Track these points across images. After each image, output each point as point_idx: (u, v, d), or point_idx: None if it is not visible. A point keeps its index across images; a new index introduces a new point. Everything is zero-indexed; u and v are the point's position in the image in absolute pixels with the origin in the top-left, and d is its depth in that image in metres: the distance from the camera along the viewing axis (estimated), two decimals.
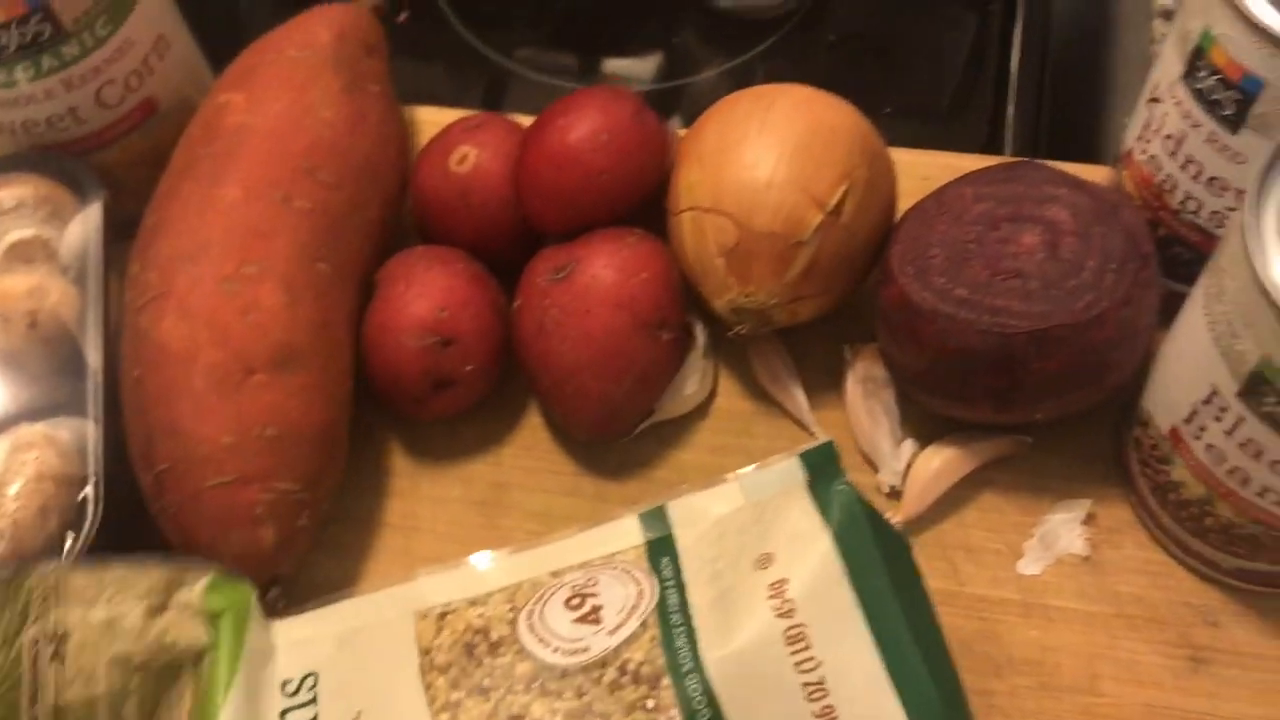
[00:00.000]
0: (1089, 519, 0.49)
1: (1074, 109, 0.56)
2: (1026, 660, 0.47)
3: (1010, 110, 0.63)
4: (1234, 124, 0.43)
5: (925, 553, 0.49)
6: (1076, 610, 0.48)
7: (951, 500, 0.50)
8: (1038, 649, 0.47)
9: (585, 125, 0.49)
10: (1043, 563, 0.48)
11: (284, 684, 0.44)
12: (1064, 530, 0.49)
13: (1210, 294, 0.40)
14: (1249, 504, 0.42)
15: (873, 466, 0.51)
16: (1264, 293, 0.36)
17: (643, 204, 0.51)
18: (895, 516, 0.49)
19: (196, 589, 0.43)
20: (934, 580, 0.48)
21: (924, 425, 0.51)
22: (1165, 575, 0.48)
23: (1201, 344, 0.41)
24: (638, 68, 0.70)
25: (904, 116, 0.65)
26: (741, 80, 0.67)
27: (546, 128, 0.49)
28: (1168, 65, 0.46)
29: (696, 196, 0.49)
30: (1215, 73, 0.43)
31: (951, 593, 0.48)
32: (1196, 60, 0.44)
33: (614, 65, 0.70)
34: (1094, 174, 0.54)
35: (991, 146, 0.63)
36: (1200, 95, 0.44)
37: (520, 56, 0.69)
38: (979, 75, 0.65)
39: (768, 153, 0.47)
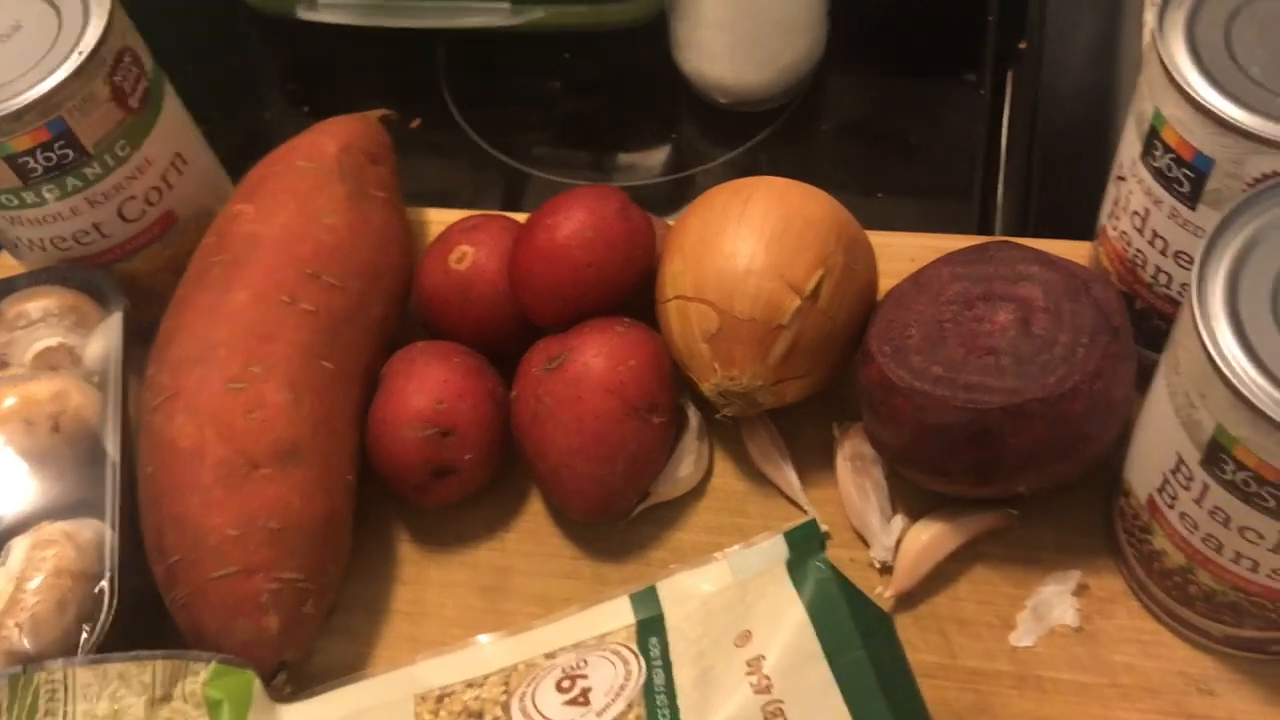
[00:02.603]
0: (1081, 590, 0.50)
1: (1069, 187, 0.58)
2: None
3: (1000, 192, 0.65)
4: (1191, 200, 0.44)
5: (918, 626, 0.50)
6: (1070, 681, 0.48)
7: (943, 574, 0.51)
8: None
9: (572, 223, 0.51)
10: (1035, 634, 0.49)
11: None
12: (1056, 601, 0.49)
13: (1169, 365, 0.41)
14: (1226, 570, 0.43)
15: (864, 542, 0.52)
16: (1212, 363, 0.37)
17: (632, 294, 0.53)
18: (887, 591, 0.50)
19: (200, 679, 0.45)
20: (927, 654, 0.49)
21: (914, 501, 0.52)
22: (1158, 644, 0.48)
23: (1165, 414, 0.42)
24: (647, 160, 0.72)
25: (896, 200, 0.67)
26: (743, 169, 0.70)
27: (536, 226, 0.52)
28: (1129, 144, 0.47)
29: (680, 286, 0.51)
30: (1169, 151, 0.44)
31: (944, 666, 0.49)
32: (1152, 140, 0.45)
33: (625, 159, 0.73)
34: (1081, 250, 0.55)
35: (984, 227, 0.64)
36: (1159, 173, 0.45)
37: (536, 156, 0.73)
38: (970, 158, 0.67)
39: (745, 242, 0.50)
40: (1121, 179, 0.49)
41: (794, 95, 0.70)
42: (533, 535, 0.54)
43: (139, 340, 0.53)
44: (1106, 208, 0.51)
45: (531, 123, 0.74)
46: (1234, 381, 0.37)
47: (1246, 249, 0.39)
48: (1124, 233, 0.49)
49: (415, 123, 0.74)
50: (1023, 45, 0.70)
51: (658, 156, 0.72)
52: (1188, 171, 0.44)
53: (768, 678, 0.40)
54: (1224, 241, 0.39)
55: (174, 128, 0.56)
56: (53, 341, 0.51)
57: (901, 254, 0.57)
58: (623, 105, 0.75)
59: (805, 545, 0.45)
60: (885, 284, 0.53)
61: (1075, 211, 0.57)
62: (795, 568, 0.43)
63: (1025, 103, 0.68)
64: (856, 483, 0.52)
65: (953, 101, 0.70)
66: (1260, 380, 0.36)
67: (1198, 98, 0.42)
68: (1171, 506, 0.43)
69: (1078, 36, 0.70)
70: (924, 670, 0.48)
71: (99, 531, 0.48)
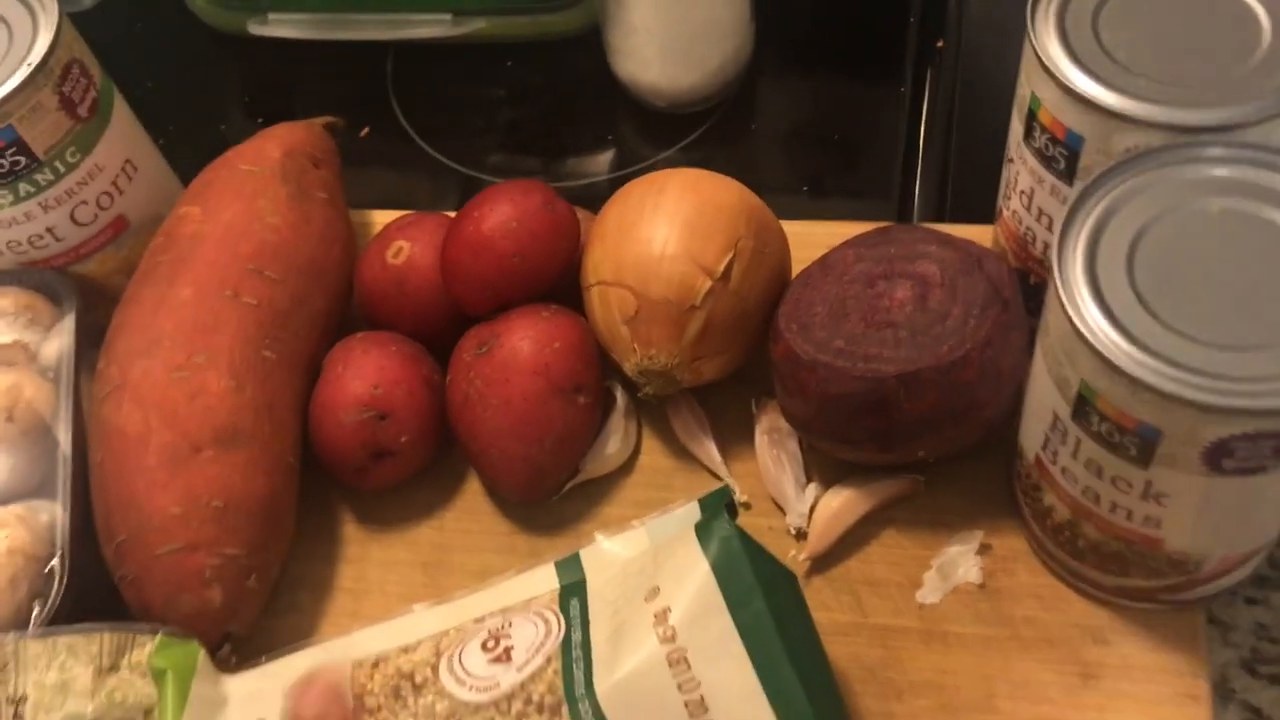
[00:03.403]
0: (984, 550, 0.52)
1: (984, 179, 0.60)
2: (927, 683, 0.50)
3: (918, 184, 0.68)
4: (1068, 176, 0.47)
5: (831, 587, 0.53)
6: (973, 635, 0.51)
7: (855, 538, 0.53)
8: (937, 672, 0.50)
9: (497, 215, 0.54)
10: (941, 592, 0.52)
11: None
12: (960, 561, 0.52)
13: (1041, 329, 0.44)
14: (1105, 521, 0.46)
15: (782, 511, 0.55)
16: (1071, 323, 0.40)
17: (559, 283, 0.56)
18: (801, 555, 0.53)
19: (146, 650, 0.47)
20: (839, 613, 0.52)
21: (826, 471, 0.55)
22: (1056, 599, 0.51)
23: (1041, 376, 0.45)
24: (588, 161, 0.75)
25: (822, 194, 0.70)
26: (679, 166, 0.73)
27: (464, 219, 0.55)
28: (1014, 128, 0.51)
29: (601, 272, 0.54)
30: (1045, 131, 0.47)
31: (856, 624, 0.52)
32: (1031, 122, 0.48)
33: (568, 161, 0.76)
34: (985, 234, 0.58)
35: (903, 218, 0.67)
36: (1039, 153, 0.48)
37: (482, 161, 0.75)
38: (891, 153, 0.70)
39: (660, 229, 0.53)
40: (1010, 161, 0.52)
41: (725, 96, 0.73)
42: (470, 514, 0.57)
43: (93, 342, 0.56)
44: (1002, 190, 0.54)
45: (477, 129, 0.77)
46: (1090, 339, 0.39)
47: (1105, 217, 0.42)
48: (1015, 211, 0.52)
49: (364, 131, 0.77)
50: (940, 44, 0.73)
51: (598, 157, 0.75)
52: (1063, 150, 0.47)
53: (673, 629, 0.43)
54: (1084, 210, 0.42)
55: (124, 135, 0.59)
56: (7, 339, 0.54)
57: (819, 242, 0.60)
58: (564, 110, 0.78)
59: (715, 508, 0.48)
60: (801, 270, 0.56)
61: (988, 201, 0.60)
62: (702, 529, 0.46)
63: (944, 100, 0.71)
64: (773, 455, 0.55)
65: (876, 100, 0.73)
66: (1115, 337, 0.39)
67: (1065, 81, 0.45)
68: (1054, 463, 0.46)
69: (993, 36, 0.73)
70: (836, 629, 0.51)
71: (51, 514, 0.50)
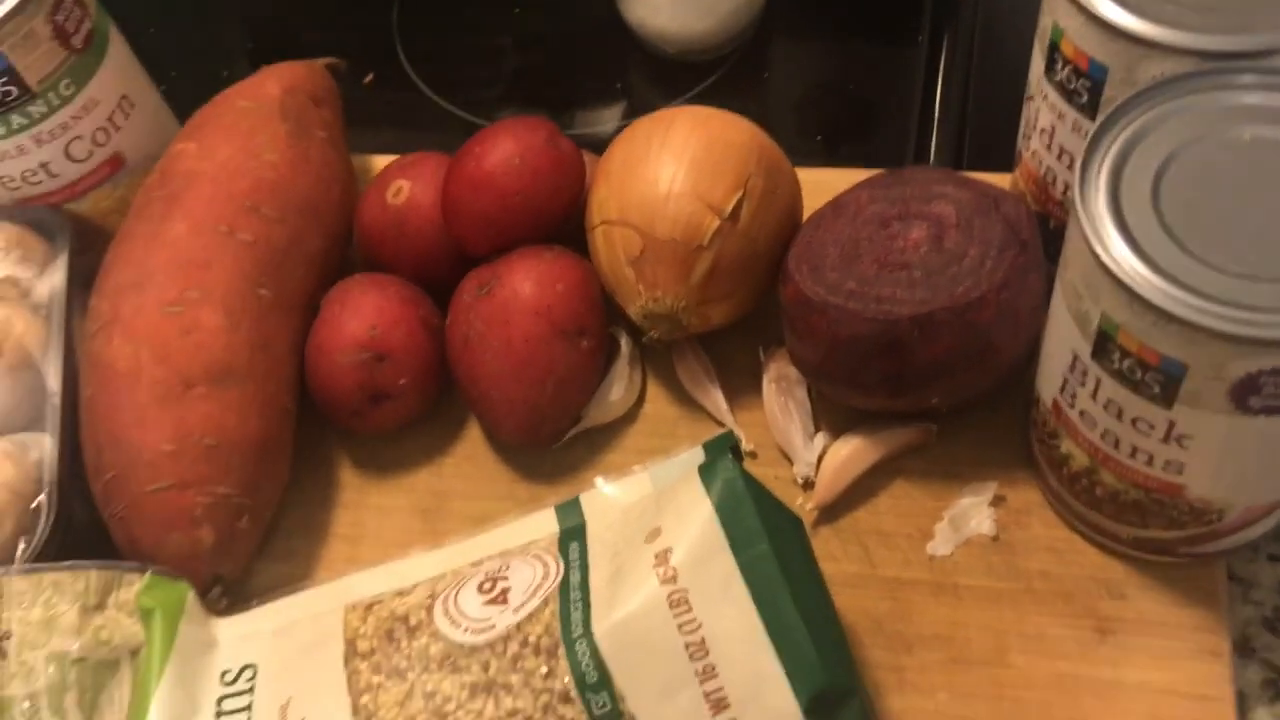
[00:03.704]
0: (997, 501, 0.51)
1: (1003, 128, 0.59)
2: (937, 636, 0.48)
3: (935, 133, 0.66)
4: (1090, 110, 0.46)
5: (839, 538, 0.51)
6: (985, 588, 0.49)
7: (865, 489, 0.52)
8: (948, 625, 0.48)
9: (500, 151, 0.53)
10: (952, 544, 0.50)
11: (223, 674, 0.47)
12: (973, 512, 0.50)
13: (1062, 264, 0.43)
14: (1125, 467, 0.44)
15: (788, 460, 0.53)
16: (1092, 252, 0.38)
17: (563, 224, 0.55)
18: (808, 504, 0.51)
19: (134, 589, 0.46)
20: (847, 564, 0.51)
21: (836, 420, 0.53)
22: (1071, 552, 0.49)
23: (1060, 314, 0.43)
24: (596, 110, 0.74)
25: (835, 143, 0.68)
26: None
27: (466, 156, 0.53)
28: (1035, 63, 0.49)
29: (606, 211, 0.52)
30: (1068, 63, 0.45)
31: (864, 575, 0.50)
32: (1053, 54, 0.46)
33: (575, 109, 0.74)
34: (1003, 181, 0.57)
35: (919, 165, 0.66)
36: (1060, 87, 0.47)
37: (489, 109, 0.74)
38: (908, 103, 0.68)
39: (666, 167, 0.51)
40: (1031, 99, 0.50)
41: (737, 44, 0.72)
42: (470, 461, 0.56)
43: (87, 284, 0.55)
44: (1021, 130, 0.53)
45: (483, 77, 0.75)
46: (1113, 269, 0.38)
47: (1130, 145, 0.40)
48: (1035, 152, 0.51)
49: (368, 79, 0.75)
50: None
51: (607, 106, 0.73)
52: (1085, 82, 0.45)
53: (674, 570, 0.42)
54: (1108, 137, 0.41)
55: (120, 70, 0.58)
56: None
57: (831, 190, 0.58)
58: (572, 58, 0.76)
59: (719, 452, 0.46)
60: None
61: (1006, 151, 0.58)
62: (706, 471, 0.44)
63: (962, 49, 0.70)
64: (780, 403, 0.53)
65: (893, 49, 0.71)
66: (1139, 267, 0.38)
67: (1089, 7, 0.43)
68: (1072, 406, 0.45)
69: None
70: (844, 580, 0.50)
71: (39, 451, 0.49)
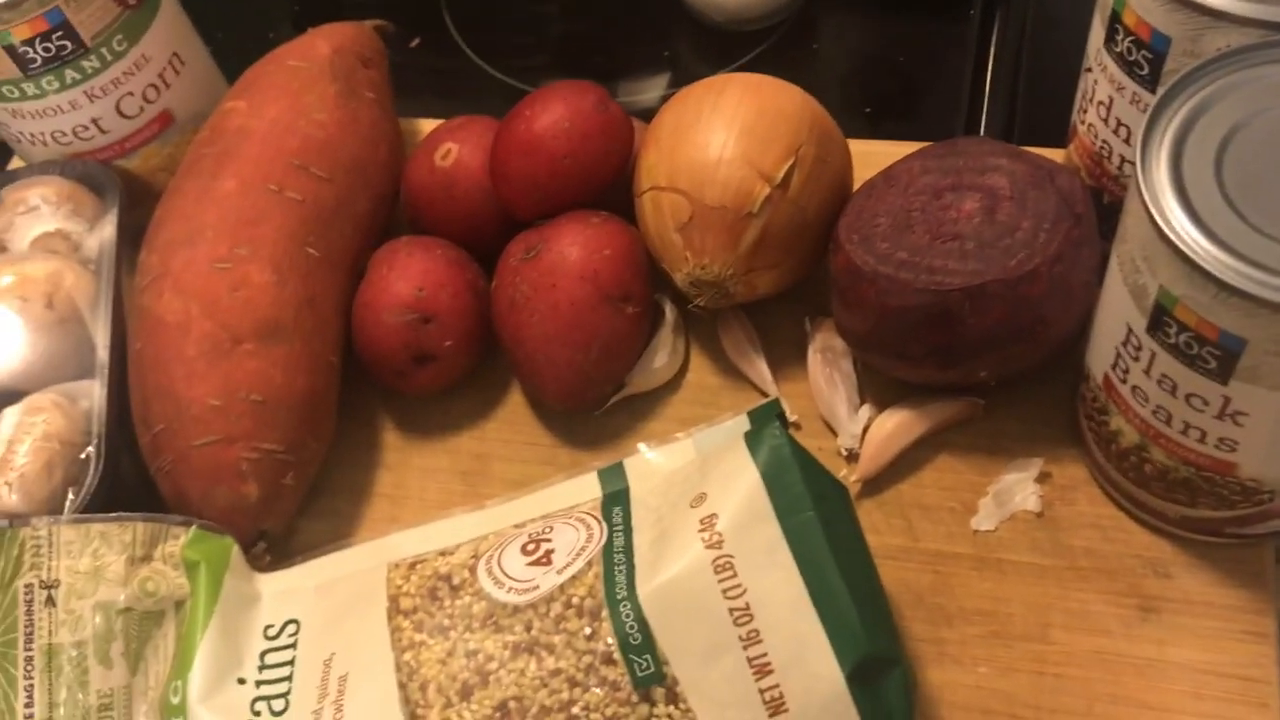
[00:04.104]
0: (1043, 477, 0.50)
1: (1055, 102, 0.58)
2: (979, 611, 0.48)
3: (985, 108, 0.65)
4: (1151, 83, 0.45)
5: (882, 510, 0.51)
6: (1029, 564, 0.49)
7: (909, 461, 0.52)
8: (990, 600, 0.48)
9: (550, 115, 0.52)
10: (996, 519, 0.50)
11: (266, 628, 0.47)
12: (1018, 488, 0.50)
13: (1119, 236, 0.42)
14: (1176, 444, 0.43)
15: (833, 432, 0.53)
16: (1152, 221, 0.38)
17: (610, 189, 0.54)
18: (852, 476, 0.51)
19: (179, 542, 0.47)
20: (890, 536, 0.50)
21: (882, 392, 0.53)
22: (1117, 529, 0.49)
23: (1116, 287, 0.42)
24: (642, 78, 0.73)
25: (884, 116, 0.68)
26: None
27: (515, 119, 0.53)
28: (1095, 34, 0.48)
29: (655, 177, 0.52)
30: (1129, 34, 0.45)
31: (906, 548, 0.50)
32: (1114, 25, 0.46)
33: (621, 77, 0.73)
34: (1056, 156, 0.56)
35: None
36: (1120, 58, 0.46)
37: (534, 75, 0.74)
38: (958, 76, 0.68)
39: (717, 133, 0.51)
40: (1088, 70, 0.49)
41: (787, 13, 0.71)
42: (512, 424, 0.56)
43: (135, 241, 0.55)
44: (1077, 104, 0.52)
45: (529, 43, 0.75)
46: (1174, 240, 0.37)
47: (1193, 116, 0.40)
48: (1091, 125, 0.50)
49: (415, 42, 0.75)
50: None
51: (653, 75, 0.73)
52: (1147, 53, 0.44)
53: (719, 535, 0.41)
54: (1170, 108, 0.40)
55: (172, 28, 0.58)
56: (50, 227, 0.53)
57: (880, 162, 0.58)
58: (619, 25, 0.76)
59: (765, 419, 0.46)
60: None
61: (1057, 125, 0.57)
62: (752, 437, 0.44)
63: (1015, 19, 0.69)
64: (826, 374, 0.53)
65: (944, 21, 0.70)
66: (1200, 239, 0.37)
67: None
68: (1124, 381, 0.44)
69: None
70: (886, 552, 0.50)
71: (89, 401, 0.49)
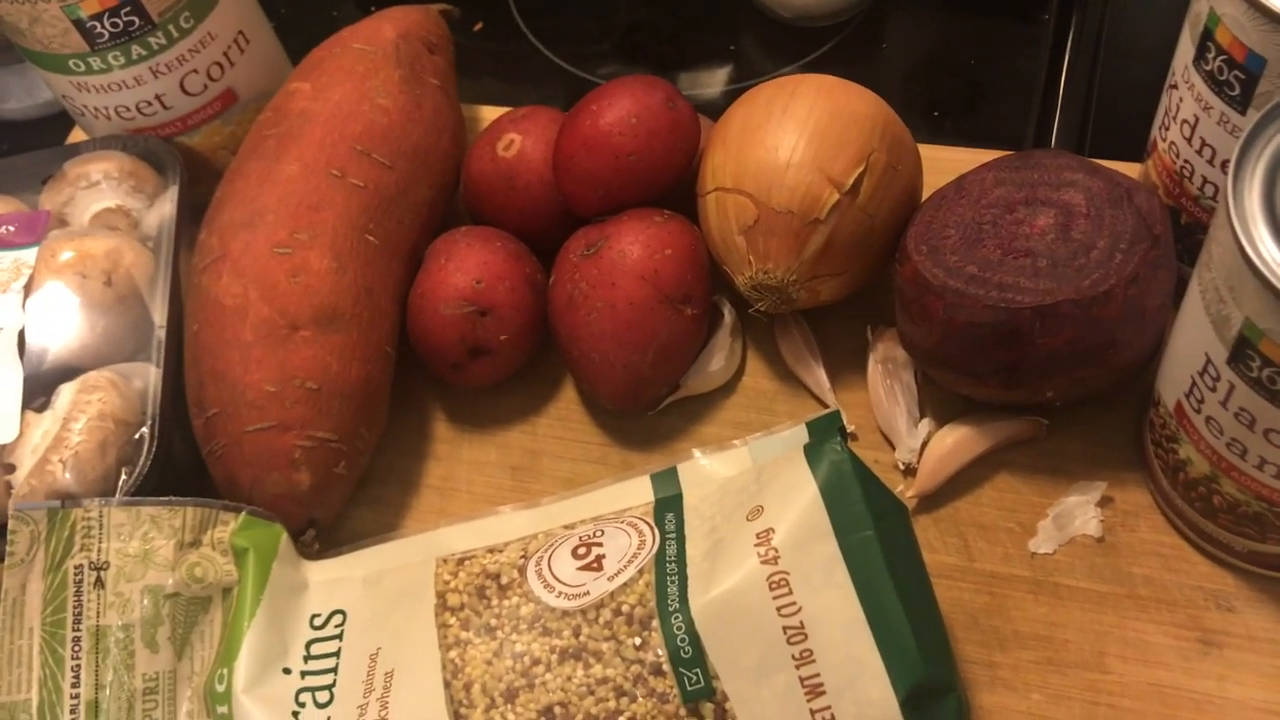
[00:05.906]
0: (1105, 502, 0.49)
1: (1128, 114, 0.57)
2: (1034, 635, 0.47)
3: (1057, 116, 0.64)
4: (1241, 104, 0.44)
5: (938, 528, 0.50)
6: (1087, 590, 0.48)
7: (967, 479, 0.51)
8: (1045, 625, 0.47)
9: (616, 110, 0.51)
10: (1055, 542, 0.49)
11: (313, 618, 0.47)
12: (1079, 511, 0.49)
13: (1202, 263, 0.41)
14: (1250, 478, 0.42)
15: (891, 445, 0.52)
16: (1243, 252, 0.37)
17: (674, 188, 0.54)
18: (909, 492, 0.50)
19: (229, 528, 0.46)
20: (945, 555, 0.49)
21: (943, 407, 0.52)
22: (1179, 559, 0.48)
23: (1196, 314, 0.41)
24: (706, 72, 0.72)
25: (953, 119, 0.66)
26: None
27: (581, 113, 0.52)
28: (1182, 50, 0.47)
29: (720, 178, 0.51)
30: (1221, 53, 0.43)
31: (961, 568, 0.49)
32: (1205, 42, 0.44)
33: (685, 70, 0.72)
34: (1132, 171, 0.55)
35: (1039, 147, 0.63)
36: (1210, 77, 0.44)
37: (597, 64, 0.73)
38: (1030, 82, 0.66)
39: (788, 135, 0.50)
40: (1173, 87, 0.48)
41: (856, 11, 0.70)
42: (564, 421, 0.55)
43: (195, 218, 0.55)
44: (1158, 120, 0.50)
45: (593, 31, 0.74)
46: (1262, 269, 0.36)
47: None
48: (1173, 143, 0.49)
49: (478, 26, 0.74)
50: None
51: (717, 68, 0.72)
52: (1239, 74, 0.43)
53: (775, 550, 0.41)
54: (1266, 134, 0.39)
55: (238, 6, 0.57)
56: (111, 203, 0.53)
57: (948, 169, 0.57)
58: (684, 16, 0.75)
59: (825, 432, 0.45)
60: None
61: (1131, 138, 0.56)
62: (812, 451, 0.43)
63: (1091, 25, 0.67)
64: (886, 386, 0.52)
65: (1017, 25, 0.69)
66: None
67: None
68: (1198, 411, 0.43)
69: None
70: (941, 571, 0.49)
71: (144, 381, 0.49)
